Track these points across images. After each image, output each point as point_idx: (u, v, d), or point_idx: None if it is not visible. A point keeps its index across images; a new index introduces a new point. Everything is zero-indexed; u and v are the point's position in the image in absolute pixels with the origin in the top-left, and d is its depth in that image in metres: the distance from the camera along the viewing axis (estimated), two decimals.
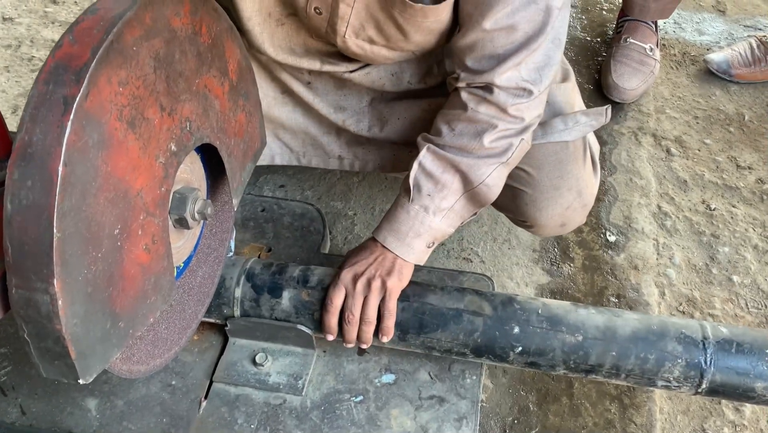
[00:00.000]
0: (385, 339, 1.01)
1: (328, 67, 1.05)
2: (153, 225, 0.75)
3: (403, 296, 1.02)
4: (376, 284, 0.98)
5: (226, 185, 0.98)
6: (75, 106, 0.60)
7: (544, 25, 0.90)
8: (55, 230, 0.59)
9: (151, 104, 0.72)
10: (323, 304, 1.01)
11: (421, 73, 1.10)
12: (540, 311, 1.01)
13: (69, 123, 0.59)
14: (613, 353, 0.97)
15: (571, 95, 1.09)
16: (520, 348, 0.99)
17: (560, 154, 1.05)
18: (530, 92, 0.94)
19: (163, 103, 0.74)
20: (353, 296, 0.98)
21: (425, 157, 0.98)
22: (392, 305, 0.99)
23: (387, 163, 1.18)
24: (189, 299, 0.98)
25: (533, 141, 1.02)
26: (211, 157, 0.95)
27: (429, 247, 1.01)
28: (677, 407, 1.19)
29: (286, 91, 1.14)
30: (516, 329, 1.00)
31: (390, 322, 0.99)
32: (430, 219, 0.99)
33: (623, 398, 1.17)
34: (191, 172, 0.90)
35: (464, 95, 0.96)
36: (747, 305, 1.34)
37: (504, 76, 0.92)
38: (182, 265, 0.95)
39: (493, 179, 0.98)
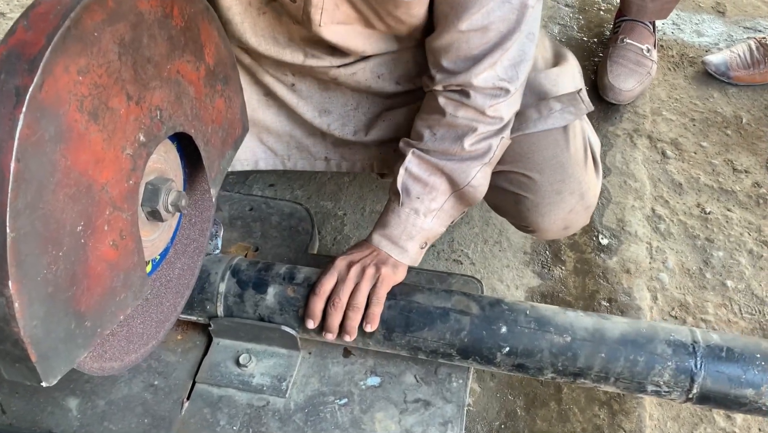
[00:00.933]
0: (369, 328, 0.98)
1: (311, 62, 1.03)
2: (121, 220, 0.71)
3: (390, 295, 1.00)
4: (370, 271, 0.97)
5: (205, 175, 0.95)
6: (28, 97, 0.56)
7: (518, 23, 0.90)
8: (8, 230, 0.56)
9: (116, 93, 0.68)
10: (311, 288, 0.99)
11: (410, 74, 1.09)
12: (528, 312, 1.00)
13: (21, 116, 0.56)
14: (603, 355, 0.95)
15: (558, 80, 1.06)
16: (507, 348, 0.98)
17: (561, 158, 1.03)
18: (507, 91, 0.93)
19: (130, 91, 0.70)
20: (344, 281, 0.97)
21: (411, 162, 0.98)
22: (382, 293, 0.98)
23: (375, 163, 1.17)
24: (167, 291, 0.96)
25: (511, 135, 1.01)
26: (187, 145, 0.91)
27: (422, 248, 1.01)
28: (667, 414, 1.17)
29: (270, 94, 1.13)
30: (503, 329, 0.98)
31: (377, 309, 0.97)
32: (422, 221, 0.99)
33: (612, 403, 1.15)
34: (165, 162, 0.86)
35: (441, 100, 0.96)
36: (741, 310, 1.33)
37: (481, 77, 0.92)
38: (158, 257, 0.93)
39: (478, 180, 0.98)
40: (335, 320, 0.98)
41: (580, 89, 1.05)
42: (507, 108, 0.96)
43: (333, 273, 0.98)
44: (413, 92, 1.10)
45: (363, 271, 0.98)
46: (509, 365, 0.99)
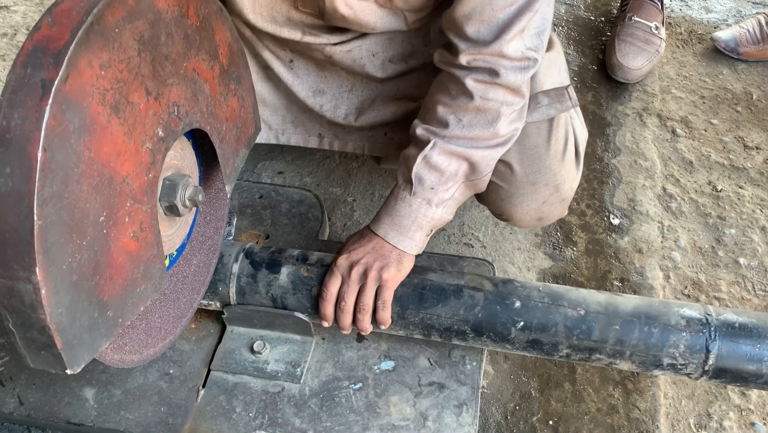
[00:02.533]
0: (382, 327, 0.99)
1: (309, 38, 1.03)
2: (141, 212, 0.73)
3: None
4: (373, 275, 0.96)
5: (219, 172, 0.97)
6: (54, 90, 0.58)
7: None
8: (35, 218, 0.58)
9: (135, 88, 0.70)
10: (319, 291, 0.99)
11: (405, 53, 1.07)
12: (540, 288, 1.01)
13: (48, 107, 0.58)
14: (617, 327, 0.95)
15: (547, 72, 1.04)
16: (521, 323, 0.97)
17: (539, 149, 1.03)
18: (535, 61, 0.90)
19: (149, 87, 0.72)
20: (348, 284, 0.97)
21: (432, 150, 0.95)
22: (387, 297, 0.97)
23: (366, 145, 1.17)
24: (183, 287, 0.97)
25: None
26: (203, 143, 0.93)
27: (428, 235, 1.00)
28: (681, 392, 1.17)
29: (268, 68, 1.13)
30: (517, 303, 0.98)
31: (385, 313, 0.98)
32: (433, 211, 0.97)
33: (627, 383, 1.15)
34: (182, 158, 0.88)
35: (470, 83, 0.91)
36: (754, 287, 1.32)
37: (511, 45, 0.88)
38: (175, 253, 0.94)
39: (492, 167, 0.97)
40: (346, 321, 0.99)
41: (568, 85, 1.04)
42: (528, 86, 0.93)
43: (337, 275, 0.98)
44: (406, 78, 1.09)
45: (365, 274, 0.96)
46: (524, 342, 0.98)
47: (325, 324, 1.00)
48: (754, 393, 1.17)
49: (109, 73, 0.65)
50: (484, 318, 0.98)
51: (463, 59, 0.90)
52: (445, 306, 0.99)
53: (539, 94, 1.01)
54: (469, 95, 0.92)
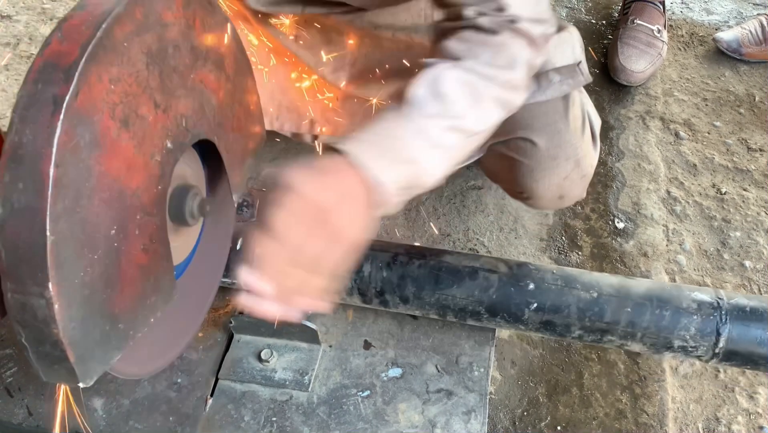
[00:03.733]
0: None
1: (310, 10, 1.03)
2: (151, 225, 0.73)
3: (420, 255, 1.03)
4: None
5: (226, 181, 0.97)
6: (65, 105, 0.58)
7: None
8: (48, 233, 0.58)
9: (144, 101, 0.70)
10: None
11: (407, 26, 1.07)
12: (555, 271, 1.02)
13: (59, 123, 0.58)
14: (628, 309, 0.97)
15: (557, 50, 1.00)
16: (535, 304, 0.99)
17: (559, 124, 1.03)
18: (544, 21, 0.82)
19: (157, 99, 0.73)
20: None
21: (446, 69, 0.77)
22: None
23: (356, 129, 1.16)
24: (191, 298, 0.97)
25: None
26: (209, 153, 0.93)
27: (402, 190, 0.74)
28: (690, 396, 1.17)
29: (270, 49, 1.13)
30: (531, 285, 1.00)
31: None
32: (427, 154, 0.75)
33: (634, 387, 1.15)
34: (189, 168, 0.89)
35: (484, 21, 0.79)
36: (760, 290, 1.32)
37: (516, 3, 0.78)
38: (183, 263, 0.94)
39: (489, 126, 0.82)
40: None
41: (580, 62, 1.03)
42: (546, 45, 0.84)
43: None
44: (410, 52, 1.08)
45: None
46: (537, 323, 1.00)
47: None
48: (762, 397, 1.17)
49: (119, 87, 0.66)
50: (498, 299, 1.00)
51: (471, 11, 0.80)
52: (460, 287, 1.01)
53: (550, 71, 1.00)
54: (485, 30, 0.79)
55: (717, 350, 0.95)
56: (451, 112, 0.76)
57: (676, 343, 0.96)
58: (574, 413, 1.13)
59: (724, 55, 1.77)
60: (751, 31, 1.75)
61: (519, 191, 1.12)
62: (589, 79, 1.04)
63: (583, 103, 1.08)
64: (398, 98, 0.78)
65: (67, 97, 0.58)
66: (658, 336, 0.96)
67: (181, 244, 0.91)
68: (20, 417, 1.05)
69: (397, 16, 1.07)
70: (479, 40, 0.79)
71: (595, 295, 0.98)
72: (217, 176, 0.99)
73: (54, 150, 0.58)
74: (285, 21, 1.09)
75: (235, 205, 1.02)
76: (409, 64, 1.10)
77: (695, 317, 0.95)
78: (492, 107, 0.80)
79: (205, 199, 0.87)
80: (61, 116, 0.58)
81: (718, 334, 0.94)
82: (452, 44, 0.80)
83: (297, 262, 0.70)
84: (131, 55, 0.67)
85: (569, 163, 1.06)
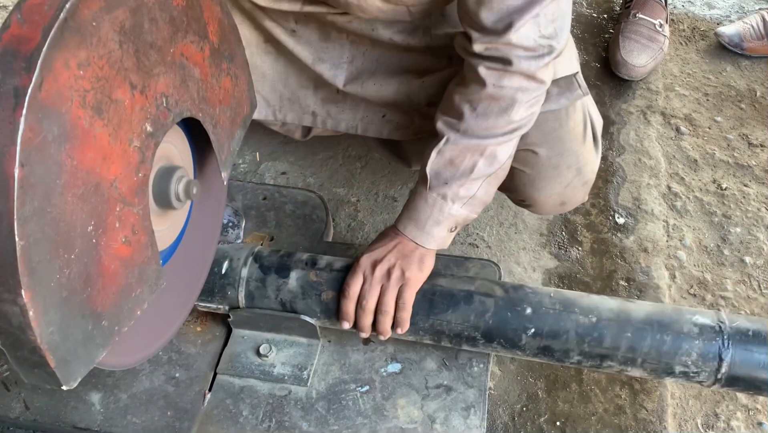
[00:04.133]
0: (399, 331, 0.98)
1: (309, 8, 1.02)
2: (132, 215, 0.69)
3: None
4: (396, 274, 0.96)
5: (215, 158, 0.93)
6: (28, 98, 0.53)
7: None
8: (17, 238, 0.54)
9: (119, 84, 0.65)
10: (341, 290, 0.99)
11: (405, 31, 1.06)
12: (552, 295, 1.00)
13: (22, 119, 0.53)
14: (629, 335, 0.95)
15: (557, 62, 1.01)
16: (532, 330, 0.97)
17: (559, 132, 1.02)
18: (551, 48, 0.88)
19: (134, 80, 0.67)
20: (370, 283, 0.96)
21: (446, 147, 0.95)
22: (409, 296, 0.97)
23: (359, 125, 1.16)
24: (180, 280, 0.95)
25: None
26: (195, 129, 0.88)
27: (451, 231, 0.99)
28: (689, 392, 1.17)
29: (270, 40, 1.12)
30: (528, 310, 0.98)
31: (405, 314, 0.97)
32: (449, 206, 0.96)
33: (634, 383, 1.15)
34: (174, 148, 0.84)
35: (482, 71, 0.90)
36: (760, 286, 1.32)
37: (521, 33, 0.85)
38: (171, 246, 0.92)
39: (510, 155, 0.96)
40: (366, 321, 0.98)
41: (577, 72, 1.03)
42: (549, 72, 0.91)
43: (359, 274, 0.98)
44: (409, 54, 1.08)
45: (389, 273, 0.96)
46: (534, 349, 0.98)
47: (346, 325, 1.00)
48: None
49: (89, 72, 0.60)
50: (494, 325, 0.98)
51: (477, 48, 0.89)
52: (455, 312, 0.99)
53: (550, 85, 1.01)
54: (482, 83, 0.91)
55: (719, 376, 0.94)
56: (461, 170, 0.95)
57: (678, 368, 0.95)
58: (573, 408, 1.13)
59: (725, 50, 1.77)
60: (752, 26, 1.74)
61: (520, 199, 1.12)
62: (587, 92, 1.03)
63: (584, 105, 1.07)
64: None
65: (30, 89, 0.53)
66: (659, 361, 0.95)
67: (168, 228, 0.87)
68: (17, 411, 1.05)
69: (397, 25, 1.06)
70: (474, 93, 0.92)
71: (594, 320, 0.96)
72: (206, 152, 0.94)
73: (18, 148, 0.53)
74: (283, 15, 1.08)
75: (225, 183, 0.98)
76: (407, 66, 1.09)
77: (697, 341, 0.94)
78: (498, 145, 0.94)
79: (191, 180, 0.82)
80: (24, 111, 0.53)
81: (721, 359, 0.93)
82: (456, 100, 0.95)
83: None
84: (101, 35, 0.62)
85: (571, 171, 1.05)
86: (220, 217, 1.00)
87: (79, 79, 0.59)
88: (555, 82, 1.00)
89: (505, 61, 0.89)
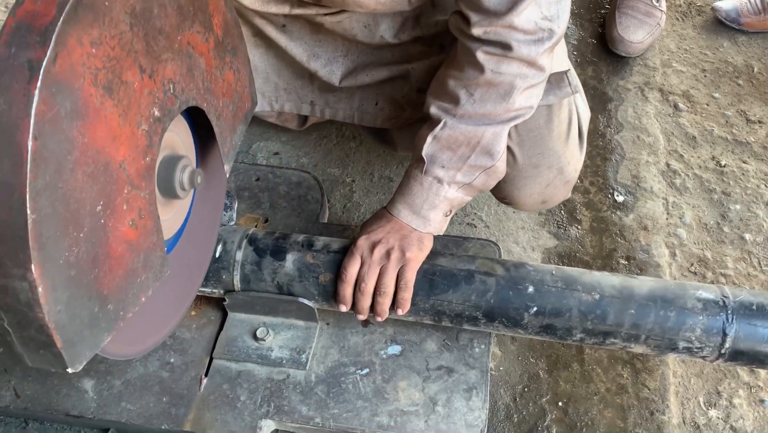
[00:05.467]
0: (400, 312, 0.96)
1: (297, 11, 0.99)
2: (139, 198, 0.69)
3: None
4: (396, 255, 0.94)
5: (217, 150, 0.93)
6: (42, 71, 0.54)
7: None
8: (29, 211, 0.54)
9: (129, 66, 0.65)
10: (338, 273, 0.96)
11: (395, 26, 1.04)
12: (554, 272, 0.98)
13: (36, 91, 0.53)
14: (632, 311, 0.93)
15: None
16: (534, 308, 0.95)
17: (541, 130, 1.00)
18: (550, 32, 0.86)
19: (143, 64, 0.68)
20: (369, 265, 0.94)
21: (442, 131, 0.92)
22: (410, 276, 0.94)
23: (356, 114, 1.15)
24: (182, 272, 0.93)
25: None
26: (198, 121, 0.88)
27: (446, 216, 0.98)
28: (691, 370, 1.16)
29: (258, 34, 1.09)
30: (530, 288, 0.96)
31: (407, 294, 0.95)
32: (445, 190, 0.94)
33: (635, 362, 1.14)
34: (178, 137, 0.84)
35: (480, 56, 0.88)
36: (760, 263, 1.31)
37: (523, 16, 0.83)
38: (173, 237, 0.90)
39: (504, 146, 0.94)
40: (364, 304, 0.96)
41: (568, 70, 1.00)
42: (550, 58, 0.90)
43: (356, 256, 0.95)
44: (402, 45, 1.06)
45: (388, 254, 0.94)
46: (537, 327, 0.96)
47: (343, 308, 0.97)
48: (763, 370, 1.16)
49: (101, 50, 0.61)
50: (496, 304, 0.96)
51: (476, 31, 0.87)
52: (456, 292, 0.96)
53: None
54: (480, 68, 0.88)
55: (723, 351, 0.93)
56: (458, 154, 0.93)
57: (681, 344, 0.93)
58: (575, 388, 1.12)
59: (722, 25, 1.74)
60: (749, 1, 1.71)
61: (501, 197, 1.10)
62: (577, 90, 1.01)
63: (570, 102, 1.04)
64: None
65: (44, 62, 0.54)
66: (663, 338, 0.93)
67: (172, 217, 0.87)
68: (7, 399, 1.02)
69: (387, 19, 1.04)
70: (471, 79, 0.89)
71: (597, 297, 0.94)
72: (207, 145, 0.95)
73: (32, 120, 0.54)
74: (272, 15, 1.05)
75: (227, 176, 0.98)
76: (399, 58, 1.06)
77: (701, 317, 0.92)
78: (495, 133, 0.92)
79: (195, 170, 0.83)
80: (39, 83, 0.54)
81: (725, 334, 0.92)
82: (451, 84, 0.92)
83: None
84: (113, 15, 0.62)
85: (552, 171, 1.03)
86: (220, 211, 0.99)
87: (91, 57, 0.60)
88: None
89: (504, 46, 0.86)
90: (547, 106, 0.99)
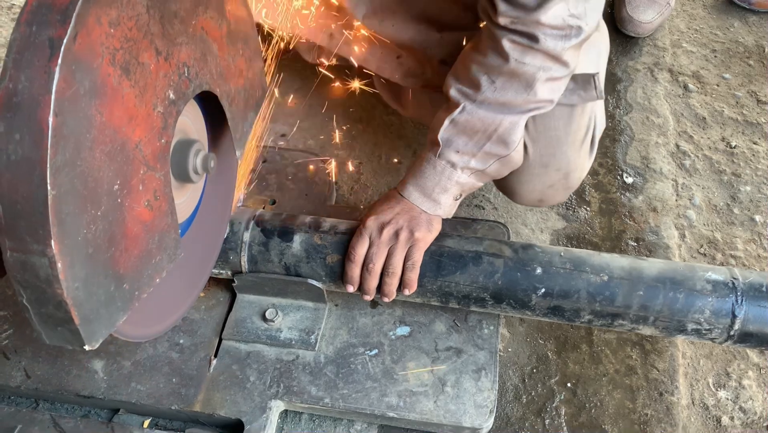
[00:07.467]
0: (407, 292, 0.96)
1: None
2: (154, 180, 0.70)
3: None
4: (404, 235, 0.94)
5: (228, 137, 0.92)
6: (63, 49, 0.54)
7: None
8: (49, 187, 0.55)
9: (145, 47, 0.66)
10: (346, 253, 0.96)
11: None
12: (562, 254, 0.98)
13: (57, 68, 0.54)
14: (641, 293, 0.93)
15: (583, 51, 0.98)
16: (543, 290, 0.95)
17: (559, 132, 0.99)
18: (578, 29, 0.85)
19: (159, 46, 0.68)
20: (377, 245, 0.94)
21: (460, 116, 0.92)
22: (418, 257, 0.94)
23: (372, 60, 1.13)
24: (194, 256, 0.93)
25: None
26: (210, 107, 0.88)
27: (456, 199, 0.98)
28: (700, 352, 1.16)
29: None
30: (538, 270, 0.96)
31: (413, 274, 0.95)
32: (458, 175, 0.95)
33: (644, 343, 1.14)
34: (191, 122, 0.84)
35: (506, 44, 0.86)
36: None
37: (550, 12, 0.83)
38: (186, 221, 0.90)
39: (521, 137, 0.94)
40: (372, 284, 0.96)
41: (597, 73, 0.98)
42: (576, 55, 0.89)
43: (365, 237, 0.95)
44: (432, 2, 1.04)
45: (396, 234, 0.94)
46: (544, 309, 0.96)
47: (350, 289, 0.97)
48: None
49: (119, 31, 0.61)
50: (504, 285, 0.96)
51: (503, 20, 0.86)
52: (463, 273, 0.96)
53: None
54: (505, 57, 0.87)
55: (732, 332, 0.92)
56: (474, 141, 0.93)
57: (690, 326, 0.93)
58: (583, 369, 1.12)
59: (732, 5, 1.72)
60: None
61: (501, 186, 1.10)
62: (602, 96, 0.99)
63: (592, 110, 1.03)
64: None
65: (65, 40, 0.54)
66: (672, 319, 0.93)
67: (185, 201, 0.87)
68: (18, 380, 1.02)
69: None
70: (494, 66, 0.88)
71: (605, 278, 0.94)
72: (219, 131, 0.95)
73: (53, 97, 0.54)
74: None
75: (239, 162, 0.98)
76: (431, 15, 1.05)
77: (710, 298, 0.92)
78: (512, 123, 0.92)
79: (209, 154, 0.83)
80: (59, 61, 0.54)
81: (734, 316, 0.91)
82: (473, 69, 0.90)
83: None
84: None
85: (558, 174, 1.03)
86: (231, 198, 0.99)
87: (110, 37, 0.60)
88: (572, 77, 0.96)
89: (531, 37, 0.85)
90: (570, 108, 0.99)
